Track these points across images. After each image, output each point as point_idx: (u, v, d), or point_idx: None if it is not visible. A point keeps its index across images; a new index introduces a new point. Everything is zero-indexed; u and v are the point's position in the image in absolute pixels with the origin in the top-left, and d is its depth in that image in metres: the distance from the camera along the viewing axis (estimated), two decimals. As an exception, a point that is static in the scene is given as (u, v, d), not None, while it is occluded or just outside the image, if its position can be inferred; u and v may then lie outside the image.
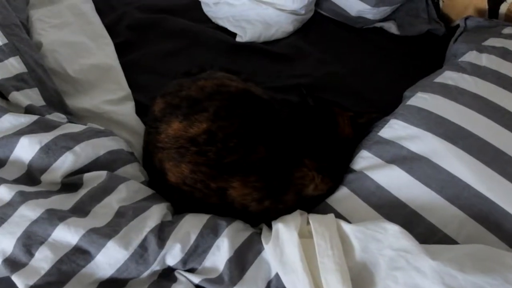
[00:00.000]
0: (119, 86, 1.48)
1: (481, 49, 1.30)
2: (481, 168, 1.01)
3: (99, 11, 1.79)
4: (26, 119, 1.14)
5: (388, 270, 0.89)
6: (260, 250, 0.99)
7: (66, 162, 1.07)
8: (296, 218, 1.02)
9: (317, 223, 0.98)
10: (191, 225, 1.00)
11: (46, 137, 1.09)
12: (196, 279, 0.95)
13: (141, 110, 1.40)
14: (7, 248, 0.92)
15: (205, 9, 1.91)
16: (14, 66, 1.29)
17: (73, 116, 1.31)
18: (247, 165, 1.05)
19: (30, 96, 1.26)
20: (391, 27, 1.82)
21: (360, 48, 1.77)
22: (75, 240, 0.92)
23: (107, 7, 1.87)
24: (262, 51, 1.73)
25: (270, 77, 1.60)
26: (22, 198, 0.98)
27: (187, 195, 1.07)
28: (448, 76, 1.24)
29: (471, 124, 1.08)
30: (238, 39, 1.77)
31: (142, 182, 1.14)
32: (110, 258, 0.92)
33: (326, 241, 0.94)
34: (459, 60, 1.30)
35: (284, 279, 0.93)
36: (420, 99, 1.20)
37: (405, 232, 0.92)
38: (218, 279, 0.95)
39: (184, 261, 0.96)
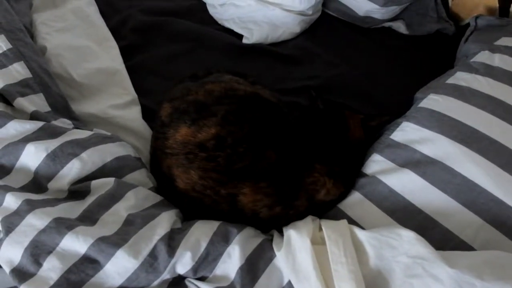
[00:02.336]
0: (125, 90, 1.47)
1: (494, 49, 1.28)
2: (497, 172, 0.99)
3: (103, 13, 1.79)
4: (31, 126, 1.13)
5: (404, 278, 0.87)
6: (271, 257, 0.97)
7: (73, 169, 1.05)
8: (308, 224, 1.00)
9: (330, 229, 0.97)
10: (201, 232, 0.99)
11: (53, 144, 1.07)
12: (207, 288, 0.94)
13: (148, 115, 1.39)
14: (15, 258, 0.91)
15: (211, 10, 1.90)
16: (18, 71, 1.28)
17: (79, 121, 1.30)
18: (257, 171, 1.04)
19: (35, 102, 1.24)
20: (400, 27, 1.80)
21: (368, 49, 1.75)
22: (84, 249, 0.91)
23: (111, 10, 1.86)
24: (269, 53, 1.72)
25: (278, 79, 1.59)
26: (29, 206, 0.96)
27: (196, 201, 1.05)
28: (460, 77, 1.22)
29: (485, 127, 1.06)
30: (244, 40, 1.76)
31: (150, 189, 1.12)
32: (119, 268, 0.91)
33: (340, 248, 0.93)
34: (471, 60, 1.29)
35: (297, 287, 0.91)
36: (432, 101, 1.18)
37: (421, 239, 0.90)
38: (230, 288, 0.93)
39: (194, 270, 0.94)
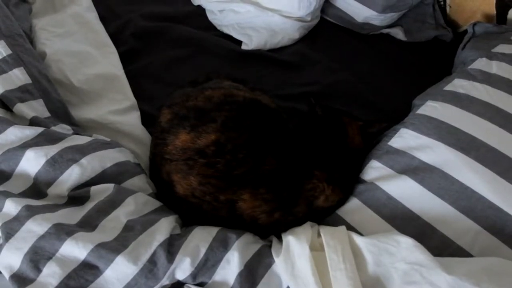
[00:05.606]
0: (124, 95, 1.47)
1: (491, 56, 1.29)
2: (494, 179, 0.99)
3: (103, 19, 1.78)
4: (31, 131, 1.13)
5: (402, 284, 0.87)
6: (270, 263, 0.98)
7: (72, 175, 1.06)
8: (307, 230, 1.01)
9: (329, 236, 0.97)
10: (201, 238, 0.99)
11: (52, 150, 1.08)
12: (206, 294, 0.94)
13: (147, 120, 1.39)
14: (14, 263, 0.92)
15: (210, 16, 1.91)
16: (18, 77, 1.28)
17: (78, 127, 1.30)
18: (256, 177, 1.04)
19: (35, 108, 1.25)
20: (398, 33, 1.81)
21: (367, 55, 1.76)
22: (83, 255, 0.92)
23: (111, 15, 1.86)
24: (268, 59, 1.72)
25: (277, 85, 1.59)
26: (28, 212, 0.97)
27: (195, 207, 1.05)
28: (458, 84, 1.23)
29: (483, 134, 1.07)
30: (243, 46, 1.76)
31: (150, 194, 1.12)
32: (119, 273, 0.91)
33: (338, 255, 0.93)
34: (469, 67, 1.29)
35: (296, 293, 0.92)
36: (431, 108, 1.18)
37: (419, 245, 0.91)
38: (229, 294, 0.93)
39: (194, 275, 0.95)
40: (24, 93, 1.25)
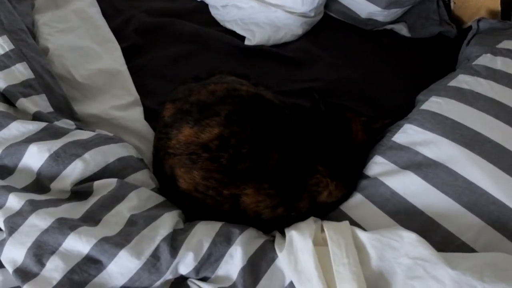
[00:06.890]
0: (127, 91, 1.47)
1: (496, 52, 1.28)
2: (499, 174, 0.99)
3: (106, 15, 1.79)
4: (34, 126, 1.13)
5: (406, 279, 0.87)
6: (273, 258, 0.98)
7: (75, 170, 1.06)
8: (310, 225, 1.01)
9: (332, 230, 0.97)
10: (204, 233, 0.99)
11: (55, 145, 1.08)
12: (209, 288, 0.94)
13: (150, 115, 1.39)
14: (18, 258, 0.92)
15: (213, 12, 1.90)
16: (21, 72, 1.28)
17: (81, 122, 1.31)
18: (260, 172, 1.04)
19: (38, 103, 1.25)
20: (402, 29, 1.81)
21: (370, 51, 1.75)
22: (87, 249, 0.92)
23: (114, 11, 1.86)
24: (271, 55, 1.72)
25: (280, 81, 1.59)
26: (32, 207, 0.97)
27: (199, 202, 1.05)
28: (462, 80, 1.23)
29: (487, 130, 1.06)
30: (247, 42, 1.76)
31: (153, 189, 1.13)
32: (122, 268, 0.91)
33: (342, 249, 0.93)
34: (473, 63, 1.29)
35: (299, 288, 0.91)
36: (435, 104, 1.18)
37: (422, 240, 0.91)
38: (232, 288, 0.93)
39: (197, 270, 0.95)
40: (27, 88, 1.26)
